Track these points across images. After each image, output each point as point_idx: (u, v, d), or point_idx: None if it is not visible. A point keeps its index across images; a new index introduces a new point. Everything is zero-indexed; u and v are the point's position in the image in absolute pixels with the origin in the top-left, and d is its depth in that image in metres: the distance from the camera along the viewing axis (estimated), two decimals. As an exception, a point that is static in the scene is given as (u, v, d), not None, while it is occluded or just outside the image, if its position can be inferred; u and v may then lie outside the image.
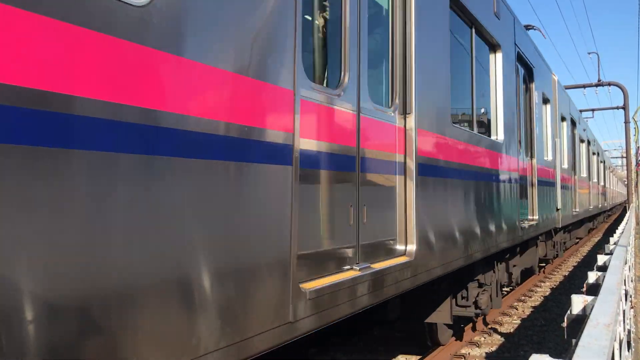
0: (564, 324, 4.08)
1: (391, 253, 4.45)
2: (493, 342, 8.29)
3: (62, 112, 1.85)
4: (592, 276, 5.60)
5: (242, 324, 2.60)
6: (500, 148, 7.44)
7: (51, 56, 1.83)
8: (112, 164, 2.01)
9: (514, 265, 9.28)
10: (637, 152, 36.71)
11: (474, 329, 8.62)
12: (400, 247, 4.57)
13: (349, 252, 3.86)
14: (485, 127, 7.62)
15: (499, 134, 7.69)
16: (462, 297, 7.09)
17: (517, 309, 10.72)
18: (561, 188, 12.89)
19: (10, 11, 1.70)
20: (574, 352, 2.45)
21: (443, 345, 7.45)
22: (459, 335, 8.04)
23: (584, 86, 30.53)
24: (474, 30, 6.87)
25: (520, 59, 9.24)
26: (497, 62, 7.83)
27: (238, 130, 2.64)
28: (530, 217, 9.81)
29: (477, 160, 6.39)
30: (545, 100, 12.21)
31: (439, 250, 5.07)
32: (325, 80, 4.04)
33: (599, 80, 30.43)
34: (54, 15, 1.83)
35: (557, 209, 12.16)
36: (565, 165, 13.40)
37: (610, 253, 7.28)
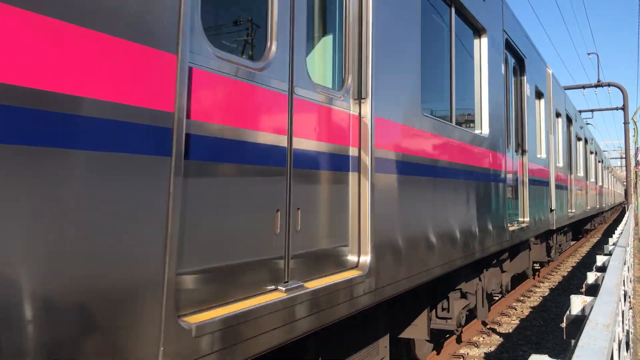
0: (563, 325, 4.09)
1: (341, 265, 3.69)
2: (492, 342, 8.30)
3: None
4: (591, 277, 5.61)
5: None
6: (487, 143, 6.71)
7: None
8: None
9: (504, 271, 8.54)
10: (636, 153, 36.77)
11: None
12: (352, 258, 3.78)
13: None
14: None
15: (483, 127, 6.89)
16: (443, 309, 6.42)
17: (515, 309, 10.72)
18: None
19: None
20: (573, 352, 2.46)
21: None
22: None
23: (584, 87, 30.57)
24: None
25: None
26: None
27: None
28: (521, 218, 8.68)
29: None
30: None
31: (403, 260, 4.28)
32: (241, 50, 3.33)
33: (598, 81, 30.48)
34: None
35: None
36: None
37: (609, 254, 7.29)
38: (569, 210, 14.49)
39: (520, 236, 8.24)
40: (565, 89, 20.10)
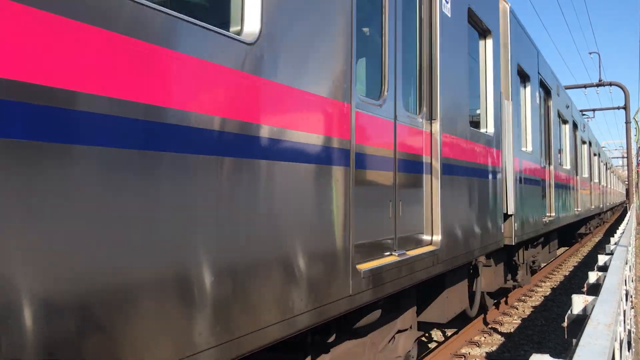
0: (565, 324, 4.08)
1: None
2: (493, 342, 8.29)
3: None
4: (592, 276, 5.59)
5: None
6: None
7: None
8: None
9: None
10: (638, 152, 36.73)
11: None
12: None
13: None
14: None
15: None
16: None
17: (517, 309, 10.71)
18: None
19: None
20: (574, 351, 2.45)
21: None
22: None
23: (585, 86, 30.52)
24: None
25: None
26: None
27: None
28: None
29: None
30: None
31: None
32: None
33: (600, 80, 30.43)
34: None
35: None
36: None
37: (611, 253, 7.27)
38: (547, 214, 10.74)
39: (396, 280, 4.18)
40: (566, 88, 18.86)
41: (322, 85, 3.35)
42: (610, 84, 30.55)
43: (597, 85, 30.41)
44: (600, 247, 21.19)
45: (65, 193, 1.88)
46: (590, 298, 4.07)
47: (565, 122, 14.42)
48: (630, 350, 5.03)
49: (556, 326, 9.28)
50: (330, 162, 3.40)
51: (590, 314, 3.26)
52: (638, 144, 37.47)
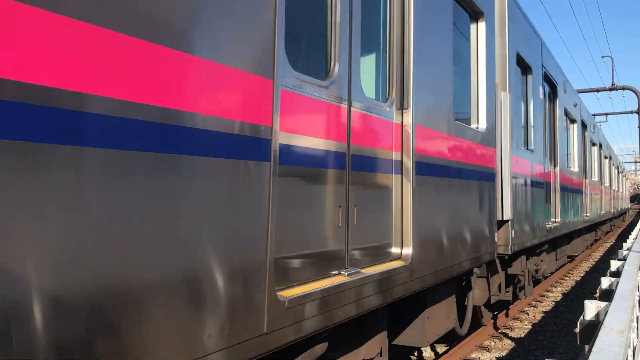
0: (577, 330, 4.05)
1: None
2: (503, 347, 8.23)
3: None
4: (605, 282, 5.55)
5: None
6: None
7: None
8: None
9: None
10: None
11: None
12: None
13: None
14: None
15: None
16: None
17: (528, 314, 10.63)
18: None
19: None
20: (587, 358, 2.43)
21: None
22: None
23: (598, 90, 30.31)
24: None
25: None
26: None
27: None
28: None
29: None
30: None
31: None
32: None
33: (612, 84, 30.21)
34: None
35: None
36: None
37: (624, 259, 7.20)
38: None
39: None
40: (579, 92, 18.80)
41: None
42: (624, 88, 30.34)
43: (610, 89, 30.20)
44: (612, 253, 21.00)
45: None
46: (602, 304, 4.04)
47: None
48: (643, 357, 4.97)
49: (568, 332, 9.20)
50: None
51: (603, 320, 3.24)
52: (651, 148, 37.10)
